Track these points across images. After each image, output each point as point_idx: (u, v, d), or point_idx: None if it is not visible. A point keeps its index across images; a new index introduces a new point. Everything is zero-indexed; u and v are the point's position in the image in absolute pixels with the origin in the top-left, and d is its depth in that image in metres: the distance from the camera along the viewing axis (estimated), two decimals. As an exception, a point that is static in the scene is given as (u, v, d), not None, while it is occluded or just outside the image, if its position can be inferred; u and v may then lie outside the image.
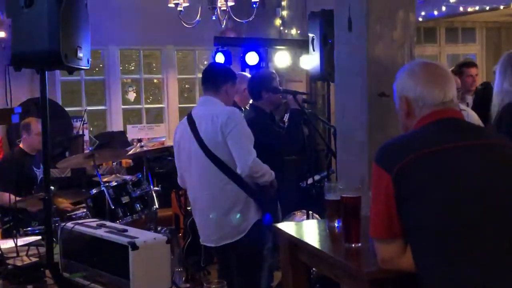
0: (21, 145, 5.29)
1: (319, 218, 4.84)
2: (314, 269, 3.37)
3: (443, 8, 6.33)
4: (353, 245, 2.28)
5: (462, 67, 5.56)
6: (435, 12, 6.41)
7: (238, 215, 3.45)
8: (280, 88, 4.40)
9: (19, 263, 3.14)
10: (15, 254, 3.31)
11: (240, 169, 3.40)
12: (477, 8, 6.11)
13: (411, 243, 1.93)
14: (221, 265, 3.81)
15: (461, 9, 6.21)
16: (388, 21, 3.06)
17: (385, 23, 3.05)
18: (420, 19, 6.35)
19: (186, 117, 3.66)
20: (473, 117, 4.23)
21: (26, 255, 3.31)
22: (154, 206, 5.14)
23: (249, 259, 3.57)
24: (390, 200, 1.92)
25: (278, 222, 4.22)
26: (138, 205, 5.12)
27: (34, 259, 3.22)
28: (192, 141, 3.51)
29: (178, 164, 3.72)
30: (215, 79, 3.64)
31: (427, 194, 1.87)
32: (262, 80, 4.37)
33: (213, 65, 3.88)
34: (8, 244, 3.51)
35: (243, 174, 3.41)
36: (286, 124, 4.43)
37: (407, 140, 2.01)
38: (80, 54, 3.24)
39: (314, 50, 5.66)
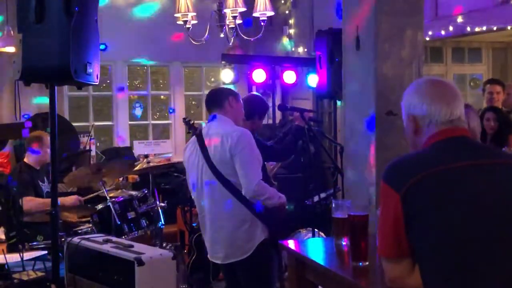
0: (26, 160, 5.29)
1: (324, 236, 4.82)
2: (320, 287, 3.35)
3: (450, 28, 6.35)
4: (360, 263, 2.28)
5: (486, 84, 5.67)
6: (442, 32, 6.44)
7: (244, 216, 3.45)
8: (288, 105, 4.41)
9: (25, 278, 3.14)
10: (21, 269, 3.31)
11: (244, 190, 3.40)
12: (484, 28, 6.13)
13: (419, 262, 1.92)
14: (227, 283, 3.80)
15: (468, 29, 6.23)
16: (396, 40, 3.08)
17: (393, 42, 3.07)
18: (427, 39, 6.37)
19: (195, 136, 3.67)
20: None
21: (33, 269, 3.31)
22: (160, 222, 5.13)
23: (255, 278, 3.56)
24: (399, 219, 1.91)
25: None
26: (144, 221, 5.11)
27: (40, 274, 3.21)
28: (201, 159, 3.52)
29: (188, 180, 3.73)
30: (215, 96, 3.69)
31: (435, 213, 1.86)
32: (259, 108, 4.26)
33: (216, 89, 3.98)
34: (14, 258, 3.51)
35: (247, 196, 3.41)
36: (288, 138, 4.42)
37: (415, 159, 2.00)
38: (90, 70, 3.26)
39: (321, 68, 5.69)
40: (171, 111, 8.83)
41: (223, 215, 3.47)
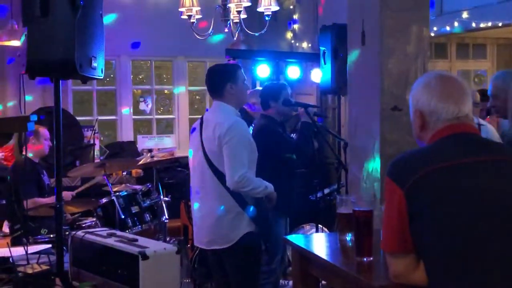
0: (24, 153, 5.31)
1: (328, 231, 4.83)
2: (323, 282, 3.35)
3: (456, 24, 6.34)
4: (365, 258, 2.28)
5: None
6: (447, 28, 6.42)
7: (222, 207, 3.46)
8: (292, 100, 4.42)
9: (29, 271, 3.15)
10: (25, 262, 3.32)
11: (227, 182, 3.41)
12: (489, 24, 6.11)
13: (424, 258, 1.92)
14: (214, 271, 3.76)
15: (473, 25, 6.21)
16: (402, 36, 3.07)
17: (399, 37, 3.07)
18: (432, 34, 6.36)
19: (200, 118, 3.70)
20: (492, 133, 4.19)
21: (37, 263, 3.31)
22: (164, 217, 5.14)
23: (240, 269, 3.55)
24: (403, 215, 1.91)
25: (283, 234, 4.24)
26: (147, 215, 5.12)
27: (44, 267, 3.22)
28: (199, 144, 3.56)
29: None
30: (214, 83, 3.63)
31: (439, 209, 1.86)
32: (270, 91, 4.46)
33: (210, 69, 3.79)
34: (18, 251, 3.52)
35: (230, 187, 3.41)
36: (296, 136, 4.45)
37: (420, 155, 2.00)
38: (94, 64, 3.26)
39: (325, 64, 5.69)
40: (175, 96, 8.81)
41: (210, 202, 3.50)
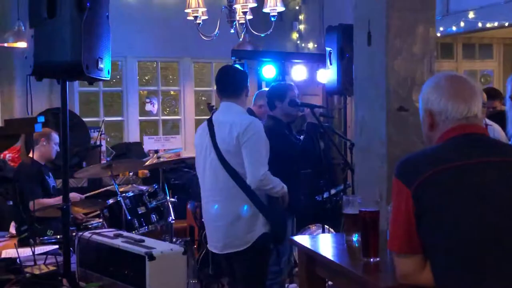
0: (31, 155, 5.33)
1: (334, 232, 4.83)
2: (330, 282, 3.35)
3: (462, 24, 6.32)
4: (371, 259, 2.28)
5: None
6: (454, 28, 6.41)
7: (246, 207, 3.44)
8: (298, 101, 4.41)
9: (36, 272, 3.16)
10: (32, 263, 3.33)
11: (250, 180, 3.40)
12: (496, 24, 6.08)
13: (430, 259, 1.92)
14: (227, 274, 3.77)
15: (480, 25, 6.19)
16: (408, 36, 3.06)
17: (405, 37, 3.05)
18: (438, 35, 6.34)
19: (206, 121, 3.66)
20: (499, 133, 4.17)
21: (44, 263, 3.32)
22: (170, 217, 5.15)
23: (250, 271, 3.55)
24: (410, 215, 1.91)
25: (290, 235, 4.25)
26: (154, 216, 5.14)
27: (52, 268, 3.23)
28: (210, 146, 3.51)
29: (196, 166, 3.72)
30: (236, 85, 3.62)
31: (445, 210, 1.86)
32: (275, 91, 4.46)
33: (230, 69, 3.81)
34: (25, 252, 3.53)
35: (252, 186, 3.41)
36: (302, 137, 4.45)
37: (427, 155, 2.00)
38: (101, 65, 3.27)
39: (331, 64, 5.68)
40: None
41: (225, 203, 3.46)
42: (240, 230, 3.44)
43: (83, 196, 5.52)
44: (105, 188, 5.86)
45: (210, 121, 3.60)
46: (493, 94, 5.49)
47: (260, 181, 3.38)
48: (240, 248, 3.45)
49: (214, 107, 4.17)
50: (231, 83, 3.62)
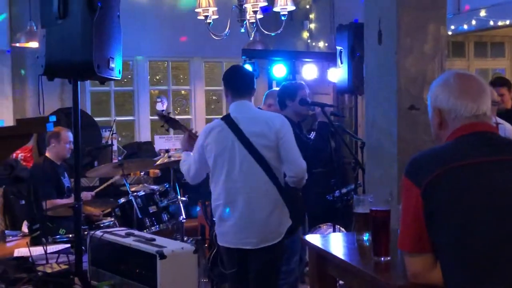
0: (47, 154, 5.36)
1: (345, 231, 4.82)
2: (341, 282, 3.35)
3: (473, 22, 6.28)
4: (382, 258, 2.27)
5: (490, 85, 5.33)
6: (465, 26, 6.37)
7: (277, 200, 3.51)
8: (309, 100, 4.41)
9: (48, 270, 3.18)
10: (44, 262, 3.36)
11: (294, 172, 3.49)
12: (508, 22, 6.04)
13: (440, 258, 1.92)
14: (238, 271, 3.72)
15: (491, 23, 6.15)
16: (419, 35, 3.05)
17: (416, 36, 3.05)
18: (450, 33, 6.31)
19: (221, 119, 3.61)
20: (510, 132, 4.15)
21: (56, 262, 3.34)
22: (181, 217, 5.17)
23: (279, 263, 3.63)
24: (419, 214, 1.91)
25: (302, 234, 4.24)
26: (165, 215, 5.15)
27: (64, 267, 3.25)
28: (236, 142, 3.49)
29: (201, 162, 3.63)
30: (252, 84, 3.68)
31: (455, 208, 1.86)
32: (286, 90, 4.46)
33: (245, 69, 3.91)
34: (37, 251, 3.56)
35: (296, 178, 3.49)
36: (313, 136, 4.45)
37: (437, 154, 1.99)
38: (112, 65, 3.29)
39: (341, 63, 5.67)
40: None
41: (261, 198, 3.48)
42: (274, 224, 3.49)
43: (93, 193, 5.55)
44: (111, 181, 5.89)
45: (228, 119, 3.57)
46: (500, 81, 5.50)
47: (304, 171, 3.50)
48: (274, 241, 3.49)
49: (168, 113, 4.22)
50: (248, 83, 3.66)
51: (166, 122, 4.24)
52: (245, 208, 3.49)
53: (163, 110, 4.33)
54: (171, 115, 4.30)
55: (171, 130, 8.65)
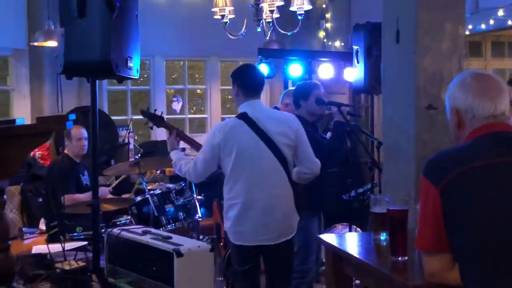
0: (66, 151, 5.41)
1: (361, 231, 4.81)
2: (357, 281, 3.35)
3: (491, 22, 6.23)
4: (399, 258, 2.27)
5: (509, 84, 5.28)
6: (483, 26, 6.32)
7: (292, 195, 3.61)
8: (325, 99, 4.40)
9: (67, 267, 3.21)
10: (62, 259, 3.39)
11: (311, 169, 3.61)
12: (526, 22, 6.00)
13: (457, 258, 1.91)
14: (253, 268, 3.70)
15: (509, 22, 6.10)
16: (437, 34, 3.04)
17: (434, 35, 3.03)
18: (467, 33, 6.27)
19: (238, 118, 3.59)
20: None
21: (74, 259, 3.38)
22: (197, 215, 5.18)
23: (290, 259, 3.69)
24: (438, 214, 1.91)
25: (317, 234, 4.24)
26: (181, 214, 5.17)
27: (81, 264, 3.28)
28: (260, 141, 3.50)
29: (213, 159, 3.63)
30: (263, 83, 3.75)
31: (472, 209, 1.85)
32: (300, 90, 4.46)
33: (257, 68, 4.00)
34: (55, 248, 3.59)
35: (313, 173, 3.62)
36: (329, 135, 4.44)
37: (455, 154, 1.99)
38: (130, 64, 3.31)
39: (358, 63, 5.66)
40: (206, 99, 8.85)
41: (282, 195, 3.55)
42: (290, 219, 3.57)
43: (110, 189, 5.59)
44: (123, 176, 5.94)
45: (247, 118, 3.56)
46: None
47: (319, 168, 3.63)
48: (290, 236, 3.58)
49: (154, 111, 4.20)
50: (262, 82, 3.71)
51: (150, 120, 4.20)
52: (267, 205, 3.51)
53: (155, 109, 4.29)
54: (157, 113, 4.24)
55: (187, 129, 8.74)
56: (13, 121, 2.25)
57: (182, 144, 7.76)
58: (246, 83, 3.66)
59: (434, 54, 3.03)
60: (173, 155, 3.91)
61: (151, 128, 4.27)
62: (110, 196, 5.49)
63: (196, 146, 4.24)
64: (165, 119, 4.30)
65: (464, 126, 2.03)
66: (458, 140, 2.08)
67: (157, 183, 5.90)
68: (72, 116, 2.22)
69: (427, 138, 3.00)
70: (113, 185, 5.82)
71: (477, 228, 1.83)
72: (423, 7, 3.01)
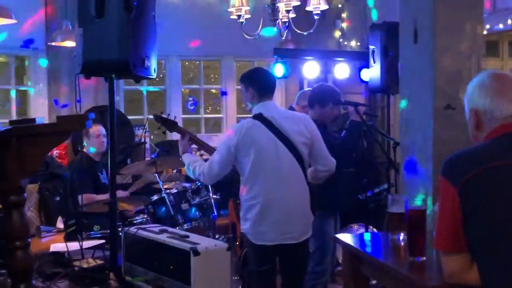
0: (85, 150, 5.45)
1: (376, 231, 4.80)
2: (374, 281, 3.34)
3: (509, 22, 6.18)
4: (417, 258, 2.27)
5: None
6: (501, 26, 6.27)
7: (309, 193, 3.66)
8: (342, 99, 4.39)
9: (85, 265, 3.24)
10: (80, 257, 3.41)
11: (327, 166, 3.69)
12: (544, 21, 5.94)
13: (476, 258, 1.90)
14: (271, 267, 3.68)
15: (527, 22, 6.06)
16: (455, 33, 3.02)
17: (452, 35, 3.02)
18: (485, 32, 6.22)
19: (254, 118, 3.60)
20: None
21: (92, 257, 3.40)
22: (213, 214, 5.20)
23: (308, 257, 3.80)
24: (456, 213, 1.90)
25: (333, 233, 4.24)
26: (197, 213, 5.19)
27: (99, 262, 3.30)
28: (278, 141, 3.53)
29: (229, 161, 3.65)
30: (275, 85, 3.81)
31: (491, 209, 1.85)
32: (319, 94, 4.45)
33: (269, 71, 4.08)
34: (73, 247, 3.62)
35: (330, 171, 3.69)
36: (343, 135, 4.43)
37: (474, 154, 1.99)
38: (148, 63, 3.33)
39: (374, 62, 5.64)
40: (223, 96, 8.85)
41: (302, 194, 3.60)
42: (307, 218, 3.63)
43: (127, 193, 5.62)
44: (145, 179, 5.98)
45: (264, 119, 3.57)
46: None
47: (334, 166, 3.70)
48: (309, 234, 3.64)
49: (168, 115, 4.23)
50: (275, 85, 3.79)
51: (163, 125, 4.24)
52: (287, 204, 3.53)
53: (161, 112, 4.32)
54: (171, 117, 4.27)
55: (203, 129, 8.77)
56: (33, 120, 2.27)
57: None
58: (263, 85, 3.70)
59: (453, 54, 3.02)
60: (185, 158, 3.94)
61: (164, 133, 4.31)
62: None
63: (208, 149, 4.26)
64: (177, 124, 4.32)
65: (482, 127, 2.03)
66: (476, 141, 2.08)
67: (173, 182, 5.92)
68: (92, 116, 2.24)
69: (445, 138, 2.99)
70: (131, 190, 5.85)
71: (495, 228, 1.83)
72: (441, 6, 3.00)
